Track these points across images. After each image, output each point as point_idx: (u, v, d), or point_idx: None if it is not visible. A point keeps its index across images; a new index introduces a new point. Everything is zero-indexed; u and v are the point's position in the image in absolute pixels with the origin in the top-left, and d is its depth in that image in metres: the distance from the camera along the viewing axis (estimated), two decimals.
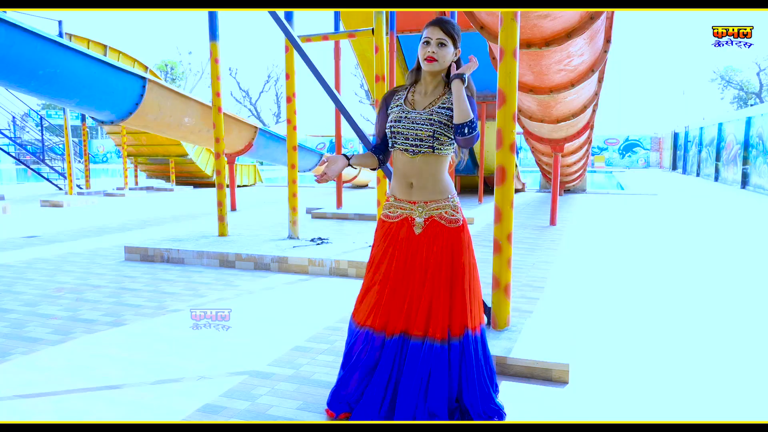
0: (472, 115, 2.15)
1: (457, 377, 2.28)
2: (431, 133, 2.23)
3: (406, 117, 2.27)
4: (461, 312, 2.28)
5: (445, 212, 2.30)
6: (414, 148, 2.26)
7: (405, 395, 2.23)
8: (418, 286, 2.27)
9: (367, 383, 2.30)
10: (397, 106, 2.34)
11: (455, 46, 2.25)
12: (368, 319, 2.33)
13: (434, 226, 2.29)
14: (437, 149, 2.25)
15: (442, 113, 2.25)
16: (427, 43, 2.22)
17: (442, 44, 2.21)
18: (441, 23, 2.21)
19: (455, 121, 2.17)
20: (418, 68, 2.34)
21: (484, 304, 3.35)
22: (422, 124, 2.24)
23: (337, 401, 2.36)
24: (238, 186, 17.62)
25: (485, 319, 2.47)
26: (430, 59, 2.21)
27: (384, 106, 2.42)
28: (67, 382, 2.79)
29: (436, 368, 2.23)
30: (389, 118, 2.34)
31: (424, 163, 2.27)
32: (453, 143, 2.30)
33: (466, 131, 2.15)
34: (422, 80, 2.33)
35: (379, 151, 2.46)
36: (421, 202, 2.30)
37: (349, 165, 2.37)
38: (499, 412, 2.33)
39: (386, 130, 2.36)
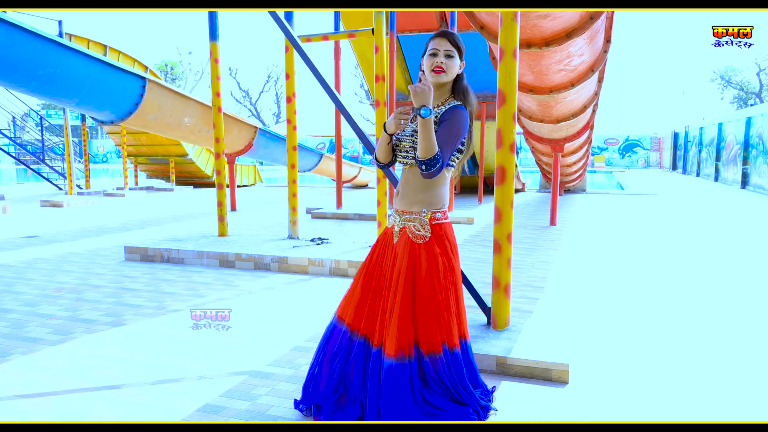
0: (435, 151, 2.11)
1: (418, 392, 2.23)
2: (411, 144, 2.28)
3: (404, 129, 2.33)
4: (424, 328, 2.23)
5: (413, 226, 2.28)
6: (404, 159, 2.33)
7: (371, 404, 2.24)
8: (386, 294, 2.30)
9: (339, 379, 2.34)
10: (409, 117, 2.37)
11: (461, 58, 2.28)
12: (345, 315, 2.40)
13: (404, 237, 2.30)
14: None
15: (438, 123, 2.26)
16: (435, 54, 2.24)
17: (449, 55, 2.24)
18: (448, 35, 2.25)
19: (419, 156, 2.14)
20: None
21: (484, 304, 3.36)
22: (408, 136, 2.29)
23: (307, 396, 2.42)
24: (238, 186, 17.63)
25: (466, 332, 2.35)
26: (439, 70, 2.23)
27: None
28: (67, 382, 2.79)
29: (394, 384, 2.17)
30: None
31: (410, 174, 2.31)
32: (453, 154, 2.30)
33: (423, 168, 2.14)
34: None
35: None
36: (400, 211, 2.34)
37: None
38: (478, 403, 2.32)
39: None
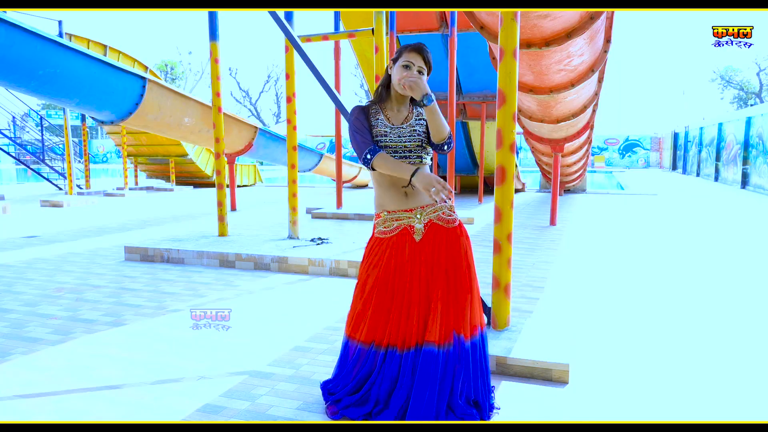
0: (448, 130, 2.30)
1: (470, 376, 2.32)
2: (419, 143, 2.36)
3: (391, 131, 2.35)
4: (467, 314, 2.31)
5: (443, 213, 2.36)
6: (403, 160, 2.34)
7: (419, 403, 2.21)
8: (424, 294, 2.30)
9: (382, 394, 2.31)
10: (377, 120, 2.39)
11: (428, 74, 2.36)
12: (361, 333, 2.35)
13: (434, 228, 2.34)
14: (423, 158, 2.38)
15: (422, 124, 2.38)
16: (408, 67, 2.29)
17: (420, 72, 2.31)
18: (423, 52, 2.30)
19: (436, 140, 2.30)
20: (387, 87, 2.41)
21: (484, 304, 3.36)
22: (409, 136, 2.35)
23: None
24: (238, 186, 17.63)
25: (485, 319, 2.47)
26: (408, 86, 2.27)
27: (365, 119, 2.39)
28: (67, 382, 2.79)
29: (454, 369, 2.26)
30: (374, 133, 2.37)
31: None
32: (431, 151, 2.43)
33: (445, 148, 2.34)
34: (391, 99, 2.41)
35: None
36: (419, 207, 2.35)
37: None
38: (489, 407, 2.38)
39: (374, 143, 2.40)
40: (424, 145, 2.36)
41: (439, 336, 2.24)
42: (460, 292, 2.30)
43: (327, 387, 2.50)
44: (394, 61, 2.33)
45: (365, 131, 2.36)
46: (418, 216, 2.34)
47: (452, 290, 2.29)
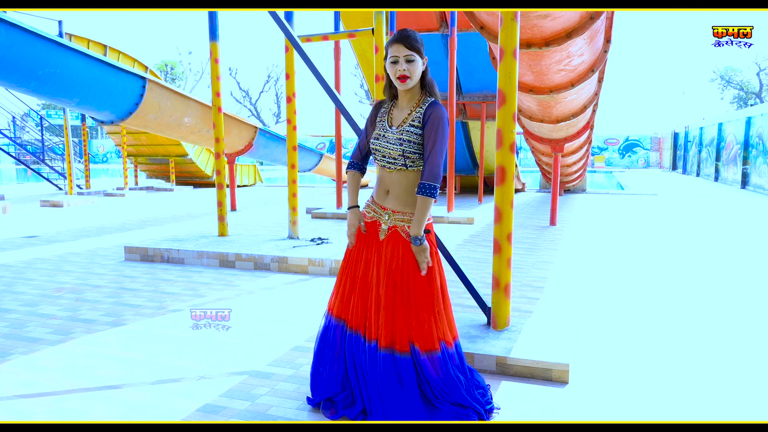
0: (430, 204, 2.25)
1: (426, 388, 2.29)
2: (401, 153, 2.28)
3: (383, 135, 2.33)
4: (424, 326, 2.27)
5: (407, 226, 2.31)
6: (390, 165, 2.32)
7: (374, 400, 2.27)
8: (376, 291, 2.31)
9: (336, 373, 2.39)
10: (380, 122, 2.39)
11: (422, 56, 2.28)
12: (334, 307, 2.45)
13: (395, 236, 2.32)
14: (409, 166, 2.30)
15: (411, 131, 2.27)
16: (395, 62, 2.25)
17: (410, 60, 2.24)
18: (404, 40, 2.23)
19: (411, 233, 2.28)
20: (391, 84, 2.36)
21: (484, 304, 3.35)
22: (393, 144, 2.29)
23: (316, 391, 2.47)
24: (238, 186, 17.63)
25: (456, 332, 2.41)
26: (403, 78, 2.25)
27: (372, 118, 2.44)
28: (67, 382, 2.79)
29: (398, 377, 2.23)
30: (374, 133, 2.38)
31: (400, 176, 2.33)
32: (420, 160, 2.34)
33: (435, 198, 2.29)
34: (399, 95, 2.37)
35: (359, 166, 2.51)
36: (390, 210, 2.35)
37: (357, 206, 2.48)
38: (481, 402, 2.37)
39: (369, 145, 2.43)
40: (408, 154, 2.27)
41: (389, 341, 2.24)
42: (415, 306, 2.27)
43: (315, 383, 2.49)
44: (385, 59, 2.31)
45: (369, 130, 2.43)
46: (386, 217, 2.35)
47: (409, 302, 2.26)
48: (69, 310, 4.07)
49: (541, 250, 6.41)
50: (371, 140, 2.38)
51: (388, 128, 2.34)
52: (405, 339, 2.25)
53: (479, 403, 2.36)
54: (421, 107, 2.31)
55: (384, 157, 2.33)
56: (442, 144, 2.24)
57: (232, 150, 11.37)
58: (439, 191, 2.30)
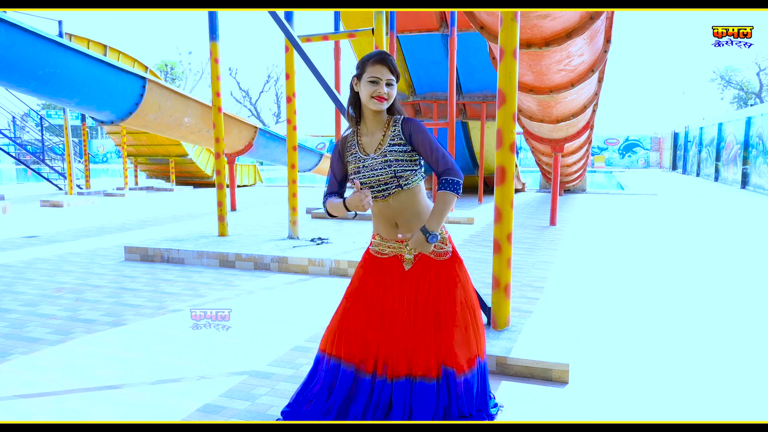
0: (453, 199, 2.13)
1: (444, 410, 2.20)
2: (392, 175, 2.15)
3: (364, 166, 2.18)
4: (454, 348, 2.18)
5: (434, 245, 2.20)
6: (383, 193, 2.18)
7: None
8: (409, 324, 2.19)
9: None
10: (351, 155, 2.23)
11: (398, 80, 2.19)
12: (335, 347, 2.25)
13: (424, 260, 2.21)
14: (404, 186, 2.16)
15: (396, 150, 2.15)
16: (375, 82, 2.11)
17: (389, 84, 2.13)
18: (387, 62, 2.12)
19: (428, 227, 2.11)
20: (357, 106, 2.22)
21: (484, 304, 3.35)
22: (380, 169, 2.15)
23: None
24: (238, 186, 17.63)
25: (484, 350, 2.31)
26: (381, 99, 2.12)
27: (339, 157, 2.28)
28: (67, 382, 2.79)
29: (427, 403, 2.15)
30: (350, 170, 2.25)
31: (399, 203, 2.18)
32: (419, 169, 2.22)
33: (459, 193, 2.15)
34: (364, 119, 2.22)
35: (339, 195, 2.31)
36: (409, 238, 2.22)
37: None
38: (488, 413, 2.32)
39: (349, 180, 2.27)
40: (400, 173, 2.13)
41: (427, 368, 2.15)
42: (450, 327, 2.18)
43: (296, 410, 2.29)
44: (358, 77, 2.15)
45: (337, 168, 2.27)
46: (408, 247, 2.21)
47: (442, 325, 2.18)
48: (69, 310, 4.07)
49: (541, 250, 6.41)
50: (352, 176, 2.22)
51: (365, 157, 2.18)
52: (438, 364, 2.17)
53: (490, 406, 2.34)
54: (394, 126, 2.19)
55: (372, 187, 2.17)
56: (440, 147, 2.16)
57: (232, 150, 11.37)
58: (459, 184, 2.12)
